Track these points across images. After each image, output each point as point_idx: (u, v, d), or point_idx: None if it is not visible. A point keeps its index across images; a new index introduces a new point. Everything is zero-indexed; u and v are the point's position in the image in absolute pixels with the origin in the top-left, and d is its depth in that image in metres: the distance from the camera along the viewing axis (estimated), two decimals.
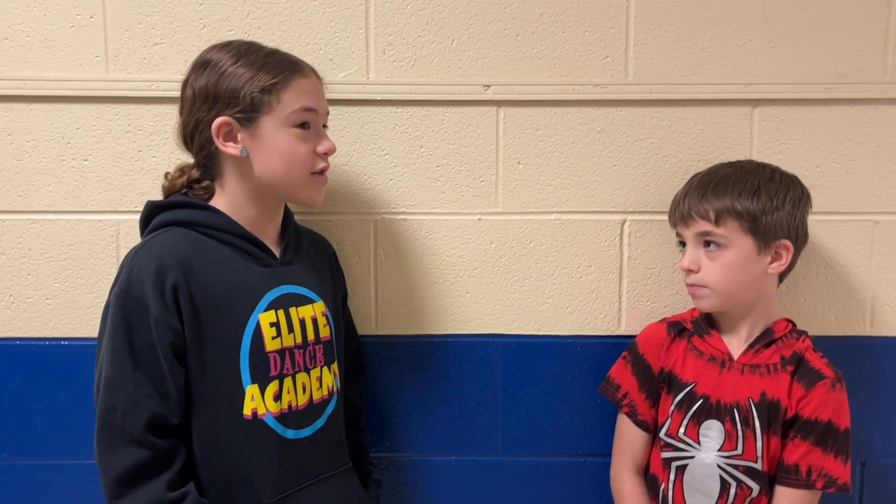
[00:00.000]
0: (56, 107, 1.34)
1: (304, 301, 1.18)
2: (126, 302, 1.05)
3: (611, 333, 1.42)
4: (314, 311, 1.19)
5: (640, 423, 1.32)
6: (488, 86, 1.37)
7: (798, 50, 1.37)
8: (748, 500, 1.21)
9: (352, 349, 1.35)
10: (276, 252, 1.19)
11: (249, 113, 1.10)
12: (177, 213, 1.13)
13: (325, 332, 1.20)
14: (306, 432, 1.15)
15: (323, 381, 1.19)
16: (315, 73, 1.18)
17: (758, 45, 1.37)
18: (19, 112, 1.34)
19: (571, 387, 1.43)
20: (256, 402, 1.09)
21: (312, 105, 1.14)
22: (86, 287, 1.37)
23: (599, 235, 1.41)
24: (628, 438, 1.34)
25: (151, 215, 1.15)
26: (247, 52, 1.12)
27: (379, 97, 1.36)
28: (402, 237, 1.40)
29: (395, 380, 1.43)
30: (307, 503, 1.15)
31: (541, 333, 1.42)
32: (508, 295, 1.41)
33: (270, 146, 1.12)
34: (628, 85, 1.37)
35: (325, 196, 1.20)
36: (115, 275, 1.30)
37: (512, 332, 1.42)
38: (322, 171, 1.18)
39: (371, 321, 1.42)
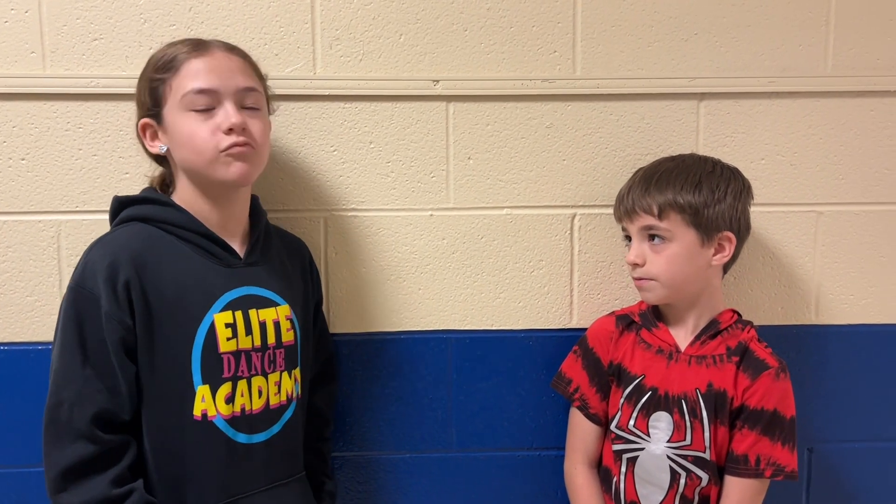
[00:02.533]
0: None
1: (266, 303, 1.15)
2: (78, 295, 1.04)
3: (563, 327, 1.43)
4: (277, 314, 1.16)
5: (591, 417, 1.33)
6: (437, 80, 1.36)
7: (742, 44, 1.39)
8: (697, 489, 1.23)
9: (323, 356, 1.33)
10: (241, 252, 1.16)
11: (154, 109, 1.11)
12: (140, 208, 1.13)
13: (288, 337, 1.17)
14: (260, 437, 1.13)
15: (282, 387, 1.16)
16: (225, 48, 1.13)
17: (703, 39, 1.38)
18: None
19: (525, 381, 1.43)
20: (207, 403, 1.07)
21: (205, 85, 1.09)
22: (25, 290, 1.33)
23: (550, 230, 1.41)
24: (580, 432, 1.34)
25: (118, 210, 1.15)
26: (170, 45, 1.13)
27: (326, 92, 1.35)
28: (352, 234, 1.38)
29: (347, 378, 1.41)
30: None
31: (493, 328, 1.42)
32: (461, 290, 1.41)
33: (175, 135, 1.11)
34: (576, 80, 1.37)
35: (253, 171, 1.13)
36: (55, 276, 1.30)
37: (465, 328, 1.41)
38: (232, 147, 1.09)
39: None
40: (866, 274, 1.44)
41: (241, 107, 1.12)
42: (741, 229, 1.26)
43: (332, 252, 1.39)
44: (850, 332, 1.45)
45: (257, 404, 1.12)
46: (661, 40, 1.38)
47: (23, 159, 1.31)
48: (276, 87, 1.32)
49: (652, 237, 1.24)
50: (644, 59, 1.38)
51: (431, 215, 1.39)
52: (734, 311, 1.30)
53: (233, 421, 1.09)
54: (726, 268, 1.31)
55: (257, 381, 1.12)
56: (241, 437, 1.10)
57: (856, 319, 1.45)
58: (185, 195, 1.14)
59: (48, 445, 1.01)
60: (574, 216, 1.41)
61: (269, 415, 1.14)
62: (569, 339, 1.39)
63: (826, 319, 1.45)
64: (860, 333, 1.45)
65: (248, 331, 1.11)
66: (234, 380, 1.09)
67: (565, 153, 1.40)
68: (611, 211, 1.37)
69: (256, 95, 1.15)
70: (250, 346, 1.11)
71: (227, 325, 1.09)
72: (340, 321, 1.40)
